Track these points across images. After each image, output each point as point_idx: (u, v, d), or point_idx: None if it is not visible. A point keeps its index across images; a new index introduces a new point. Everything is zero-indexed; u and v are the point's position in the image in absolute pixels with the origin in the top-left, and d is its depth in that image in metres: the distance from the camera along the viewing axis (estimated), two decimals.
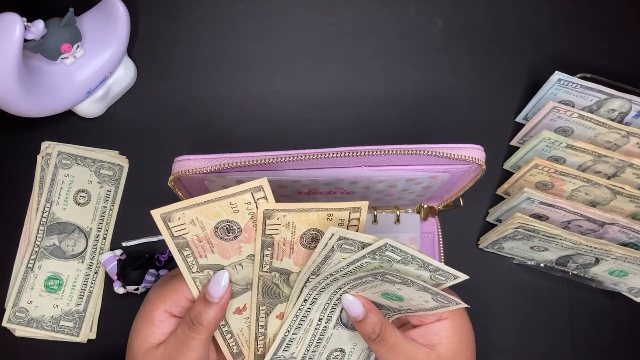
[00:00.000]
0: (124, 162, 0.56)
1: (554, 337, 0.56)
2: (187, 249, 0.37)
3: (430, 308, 0.38)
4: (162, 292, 0.39)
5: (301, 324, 0.40)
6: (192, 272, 0.38)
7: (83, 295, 0.53)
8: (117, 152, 0.56)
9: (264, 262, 0.38)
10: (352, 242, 0.35)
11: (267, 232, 0.36)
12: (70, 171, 0.55)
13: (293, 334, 0.40)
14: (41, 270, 0.53)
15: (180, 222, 0.36)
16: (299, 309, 0.39)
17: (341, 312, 0.40)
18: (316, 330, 0.41)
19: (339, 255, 0.35)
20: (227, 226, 0.37)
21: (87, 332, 0.53)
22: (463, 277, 0.36)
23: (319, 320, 0.40)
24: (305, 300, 0.39)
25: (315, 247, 0.37)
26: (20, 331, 0.52)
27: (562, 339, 0.56)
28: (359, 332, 0.39)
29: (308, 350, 0.41)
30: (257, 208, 0.36)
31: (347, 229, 0.36)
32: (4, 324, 0.52)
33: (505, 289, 0.56)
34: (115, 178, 0.55)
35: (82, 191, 0.54)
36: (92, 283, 0.53)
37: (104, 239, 0.54)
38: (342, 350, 0.42)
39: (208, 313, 0.37)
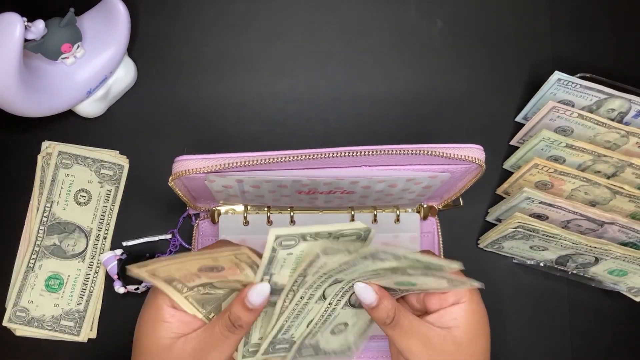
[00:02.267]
0: (124, 162, 0.56)
1: (554, 337, 0.56)
2: (175, 281, 0.38)
3: (446, 287, 0.38)
4: (161, 291, 0.39)
5: (300, 313, 0.40)
6: (183, 293, 0.39)
7: (83, 295, 0.53)
8: (117, 151, 0.56)
9: (178, 288, 0.38)
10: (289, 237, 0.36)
11: (163, 277, 0.37)
12: (71, 171, 0.55)
13: (291, 321, 0.41)
14: (42, 269, 0.53)
15: (165, 270, 0.37)
16: (296, 304, 0.39)
17: (351, 295, 0.40)
18: (325, 312, 0.41)
19: (324, 259, 0.36)
20: (212, 266, 0.38)
21: (88, 332, 0.53)
22: (457, 265, 0.36)
23: (329, 304, 0.40)
24: (302, 297, 0.39)
25: (218, 272, 0.38)
26: (21, 331, 0.52)
27: (562, 338, 0.56)
28: (373, 318, 0.39)
29: (314, 328, 0.42)
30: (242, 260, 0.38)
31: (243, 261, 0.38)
32: (5, 323, 0.52)
33: (505, 289, 0.57)
34: (115, 178, 0.55)
35: (83, 191, 0.54)
36: (92, 282, 0.53)
37: (105, 238, 0.55)
38: (345, 324, 0.42)
39: (249, 317, 0.38)
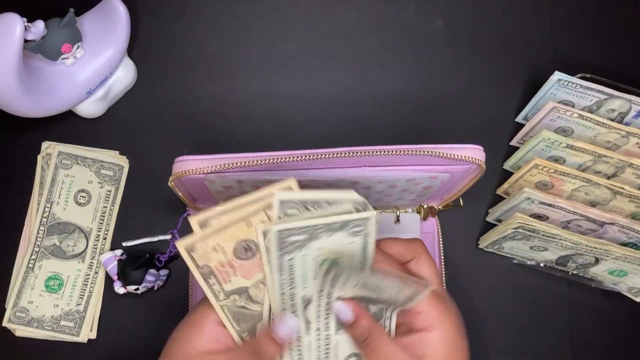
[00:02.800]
0: (124, 162, 0.56)
1: (554, 337, 0.56)
2: (211, 277, 0.38)
3: (408, 297, 0.37)
4: (210, 304, 0.39)
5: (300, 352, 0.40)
6: (219, 301, 0.38)
7: (83, 295, 0.53)
8: (117, 152, 0.56)
9: (215, 292, 0.38)
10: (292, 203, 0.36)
11: (200, 263, 0.37)
12: (71, 171, 0.55)
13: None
14: (41, 270, 0.53)
15: (203, 251, 0.37)
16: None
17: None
18: (318, 341, 0.40)
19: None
20: (245, 245, 0.37)
21: (88, 332, 0.53)
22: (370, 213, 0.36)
23: (317, 330, 0.40)
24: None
25: (252, 256, 0.37)
26: (21, 331, 0.52)
27: (562, 339, 0.56)
28: (350, 335, 0.39)
29: None
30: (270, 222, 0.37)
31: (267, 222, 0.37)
32: (5, 323, 0.52)
33: (505, 289, 0.56)
34: (115, 178, 0.55)
35: (83, 191, 0.54)
36: (92, 283, 0.53)
37: (104, 239, 0.55)
38: (357, 355, 0.41)
39: (274, 350, 0.38)
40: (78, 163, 0.55)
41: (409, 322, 0.39)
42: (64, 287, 0.53)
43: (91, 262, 0.54)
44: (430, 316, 0.38)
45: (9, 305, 0.52)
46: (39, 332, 0.52)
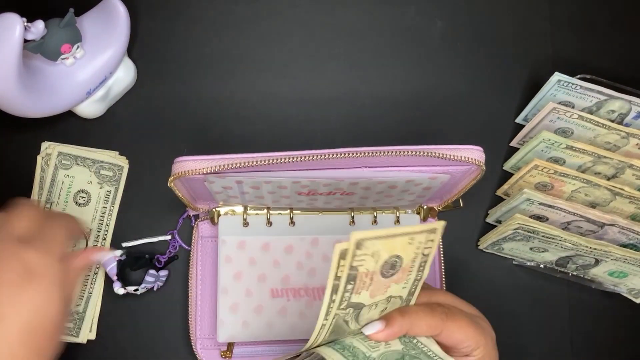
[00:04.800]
0: (123, 162, 0.56)
1: (554, 339, 0.56)
2: (352, 282, 0.35)
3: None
4: None
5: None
6: (339, 309, 0.36)
7: (83, 296, 0.53)
8: (117, 152, 0.56)
9: (344, 298, 0.36)
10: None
11: (354, 263, 0.34)
12: (71, 172, 0.55)
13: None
14: None
15: (365, 252, 0.34)
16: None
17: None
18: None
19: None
20: (394, 261, 0.35)
21: (87, 333, 0.53)
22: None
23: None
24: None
25: (393, 274, 0.36)
26: None
27: (562, 340, 0.56)
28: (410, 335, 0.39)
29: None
30: (422, 252, 0.36)
31: (422, 252, 0.36)
32: None
33: (505, 290, 0.56)
34: (115, 179, 0.55)
35: (82, 192, 0.54)
36: (91, 283, 0.53)
37: (104, 239, 0.54)
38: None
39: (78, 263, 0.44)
40: (78, 163, 0.55)
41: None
42: None
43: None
44: (469, 344, 0.39)
45: None
46: None
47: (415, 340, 0.38)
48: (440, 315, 0.38)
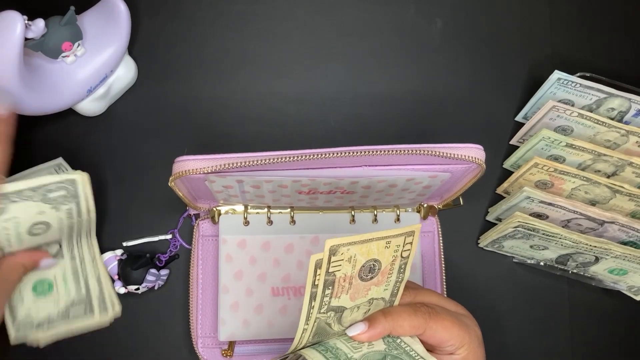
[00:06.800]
0: (73, 174, 0.45)
1: (554, 336, 0.56)
2: (330, 287, 0.36)
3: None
4: None
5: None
6: (320, 313, 0.37)
7: (79, 282, 0.51)
8: (57, 163, 0.50)
9: (323, 303, 0.36)
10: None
11: (330, 269, 0.35)
12: (8, 214, 0.43)
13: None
14: (23, 283, 0.50)
15: (340, 258, 0.35)
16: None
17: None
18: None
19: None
20: (372, 265, 0.36)
21: (113, 309, 0.51)
22: None
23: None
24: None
25: (372, 277, 0.36)
26: (42, 337, 0.49)
27: (562, 337, 0.56)
28: (393, 335, 0.39)
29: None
30: (401, 255, 0.36)
31: (401, 254, 0.36)
32: (15, 342, 0.49)
33: (505, 288, 0.57)
34: (71, 194, 0.45)
35: (37, 224, 0.45)
36: (82, 269, 0.51)
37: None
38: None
39: None
40: (13, 201, 0.43)
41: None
42: (55, 286, 0.50)
43: (71, 255, 0.51)
44: (453, 343, 0.39)
45: (9, 324, 0.49)
46: (56, 329, 0.49)
47: (399, 340, 0.39)
48: (423, 315, 0.38)
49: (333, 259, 0.34)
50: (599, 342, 0.56)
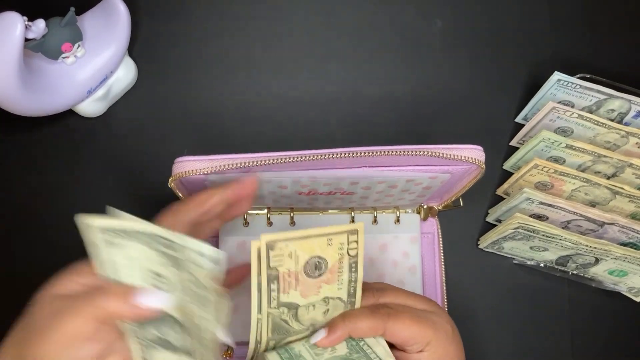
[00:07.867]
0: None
1: (554, 337, 0.56)
2: (275, 282, 0.36)
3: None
4: None
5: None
6: (270, 308, 0.37)
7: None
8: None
9: (272, 298, 0.37)
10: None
11: (272, 264, 0.35)
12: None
13: None
14: None
15: (280, 253, 0.35)
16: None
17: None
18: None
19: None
20: (317, 262, 0.36)
21: None
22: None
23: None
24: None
25: (320, 275, 0.37)
26: None
27: (562, 339, 0.56)
28: (354, 337, 0.39)
29: None
30: (348, 253, 0.37)
31: (347, 252, 0.37)
32: None
33: (505, 289, 0.57)
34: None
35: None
36: None
37: None
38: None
39: (119, 310, 0.34)
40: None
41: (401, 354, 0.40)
42: None
43: None
44: (417, 340, 0.39)
45: None
46: None
47: (362, 343, 0.39)
48: (382, 316, 0.39)
49: (272, 253, 0.35)
50: (599, 344, 0.56)
